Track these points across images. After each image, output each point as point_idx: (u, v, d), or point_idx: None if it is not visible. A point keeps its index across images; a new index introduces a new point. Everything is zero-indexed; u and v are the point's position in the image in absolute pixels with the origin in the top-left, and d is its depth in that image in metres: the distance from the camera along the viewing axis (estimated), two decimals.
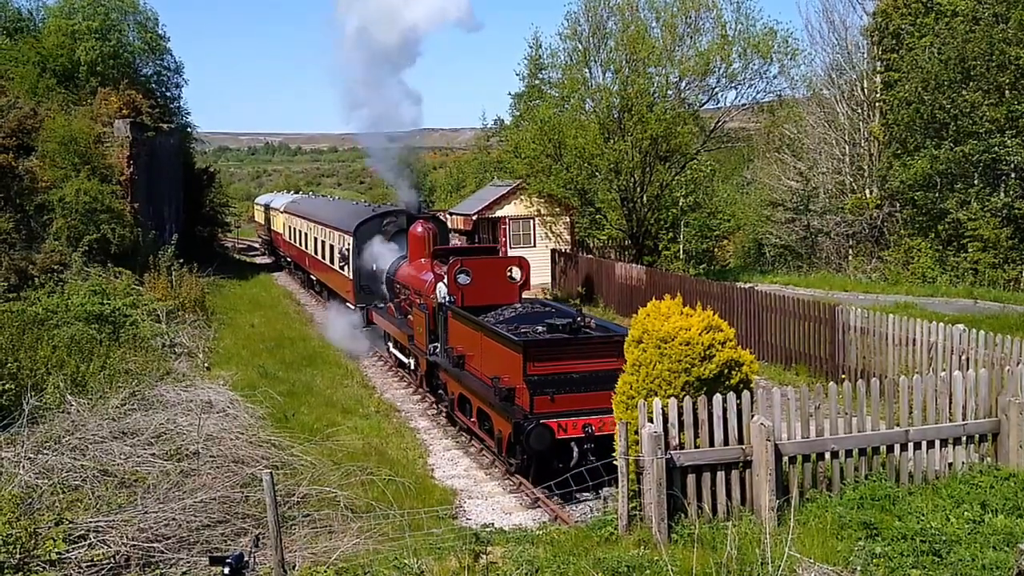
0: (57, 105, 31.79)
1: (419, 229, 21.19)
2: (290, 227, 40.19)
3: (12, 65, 34.79)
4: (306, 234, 35.08)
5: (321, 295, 33.29)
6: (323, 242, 30.73)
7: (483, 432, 15.34)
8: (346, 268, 26.31)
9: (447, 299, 17.66)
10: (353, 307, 25.61)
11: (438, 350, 17.88)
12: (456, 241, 33.95)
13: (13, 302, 19.95)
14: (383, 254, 24.12)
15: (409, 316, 20.11)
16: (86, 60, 36.48)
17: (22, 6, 41.17)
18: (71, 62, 36.54)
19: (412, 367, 20.44)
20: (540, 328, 14.78)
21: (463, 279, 17.60)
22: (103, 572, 8.63)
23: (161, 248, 28.65)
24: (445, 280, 17.76)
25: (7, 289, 21.21)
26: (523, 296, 17.95)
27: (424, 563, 8.45)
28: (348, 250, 25.78)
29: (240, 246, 64.59)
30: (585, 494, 13.10)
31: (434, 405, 18.79)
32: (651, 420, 9.12)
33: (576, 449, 13.19)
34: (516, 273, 17.90)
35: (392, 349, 22.56)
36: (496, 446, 14.58)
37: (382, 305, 23.18)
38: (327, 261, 29.98)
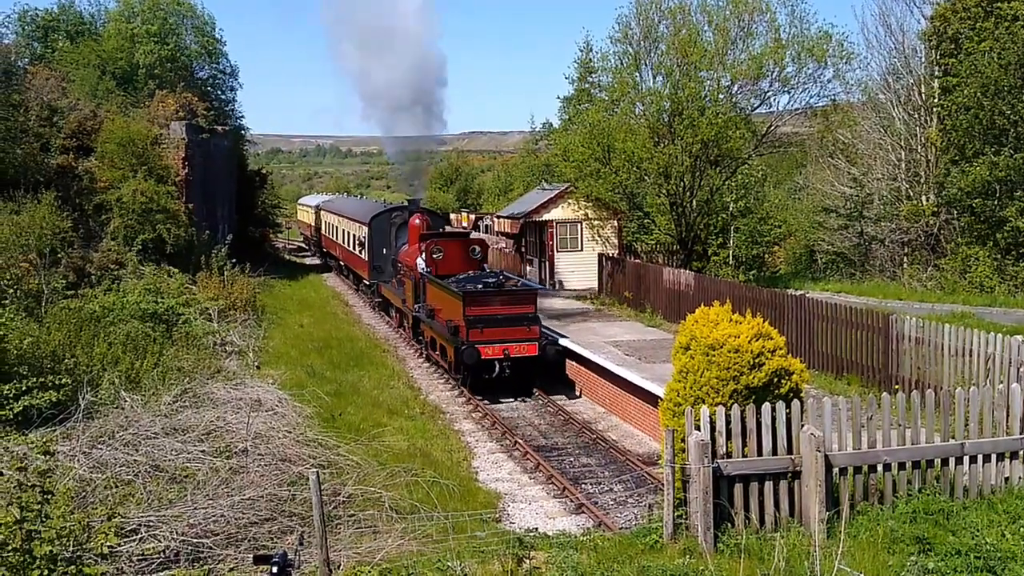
0: (116, 107, 32.51)
1: (416, 221, 27.17)
2: (325, 222, 46.46)
3: (73, 68, 35.67)
4: (335, 226, 41.81)
5: (348, 277, 40.16)
6: (347, 232, 37.36)
7: (444, 362, 22.20)
8: (363, 252, 32.69)
9: (425, 270, 23.76)
10: (368, 282, 32.54)
11: (420, 308, 23.99)
12: (502, 242, 37.72)
13: (71, 300, 20.39)
14: (390, 240, 29.88)
15: (404, 286, 26.42)
16: (144, 63, 37.30)
17: (84, 10, 42.19)
18: (130, 65, 37.40)
19: (404, 323, 27.32)
20: (479, 285, 21.46)
21: (437, 255, 23.67)
22: (153, 566, 8.77)
23: (215, 248, 29.11)
24: (423, 256, 23.98)
25: (65, 287, 21.68)
26: (485, 267, 24.17)
27: (467, 566, 8.45)
28: (364, 237, 31.95)
29: (290, 247, 65.46)
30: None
31: (418, 349, 25.36)
32: (698, 428, 9.02)
33: (497, 366, 20.11)
34: (477, 250, 24.46)
35: (394, 314, 29.54)
36: (448, 368, 21.78)
37: (389, 281, 29.23)
38: (349, 247, 36.79)
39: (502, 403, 20.25)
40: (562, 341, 21.56)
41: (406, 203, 31.10)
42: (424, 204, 38.69)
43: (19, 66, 33.16)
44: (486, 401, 19.99)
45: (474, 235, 31.59)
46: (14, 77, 29.84)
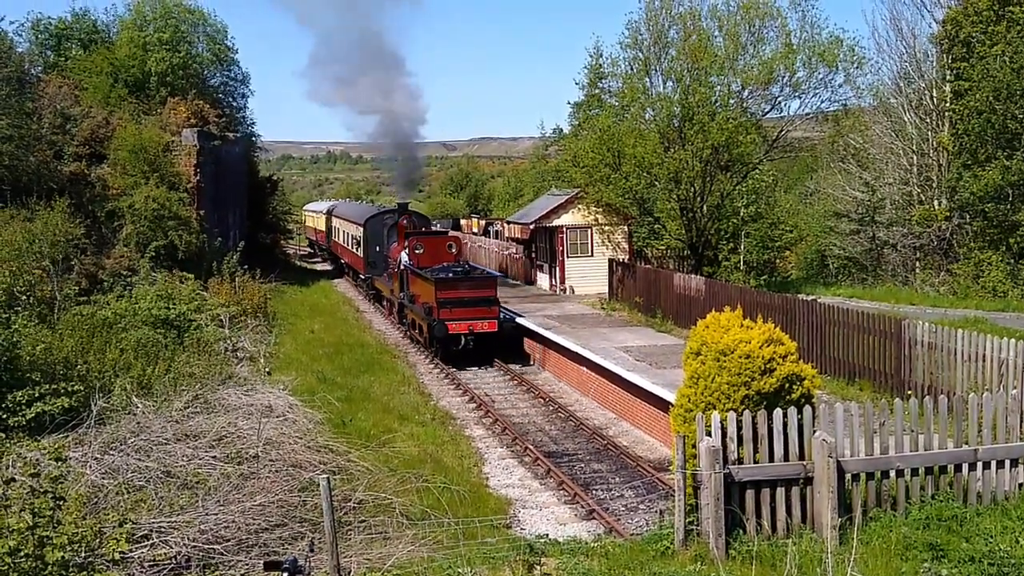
0: (128, 114, 32.69)
1: (404, 222, 31.52)
2: (331, 226, 50.25)
3: (86, 75, 35.89)
4: (339, 229, 46.00)
5: (348, 273, 44.41)
6: (348, 233, 41.64)
7: (420, 338, 26.62)
8: (359, 249, 37.00)
9: (408, 263, 27.94)
10: (363, 276, 36.95)
11: (404, 296, 28.30)
12: (512, 248, 38.91)
13: (83, 306, 20.48)
14: (382, 239, 33.60)
15: (392, 278, 30.68)
16: (157, 71, 37.48)
17: (98, 18, 42.44)
18: (142, 72, 37.58)
19: (393, 310, 31.72)
20: (449, 273, 25.71)
21: (419, 250, 27.77)
22: (164, 572, 8.78)
23: (226, 254, 29.20)
24: (406, 251, 28.27)
25: (78, 293, 21.78)
26: (460, 261, 28.17)
27: (478, 572, 8.44)
28: (361, 237, 36.06)
29: (302, 252, 65.67)
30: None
31: (404, 330, 29.55)
32: (709, 434, 8.98)
33: (463, 339, 24.23)
34: (452, 246, 28.67)
35: (385, 303, 33.75)
36: (424, 343, 26.31)
37: (381, 275, 33.28)
38: (347, 246, 41.68)
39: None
40: (518, 319, 26.12)
41: (397, 206, 34.82)
42: (435, 209, 41.59)
43: (32, 74, 33.44)
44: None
45: (452, 234, 35.34)
46: (27, 85, 30.06)
